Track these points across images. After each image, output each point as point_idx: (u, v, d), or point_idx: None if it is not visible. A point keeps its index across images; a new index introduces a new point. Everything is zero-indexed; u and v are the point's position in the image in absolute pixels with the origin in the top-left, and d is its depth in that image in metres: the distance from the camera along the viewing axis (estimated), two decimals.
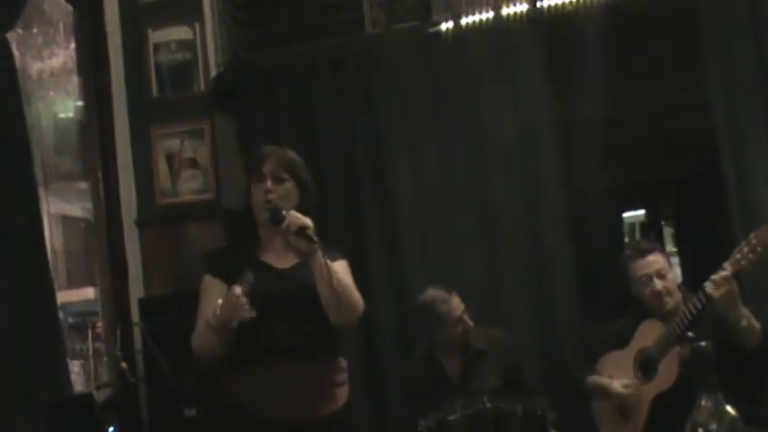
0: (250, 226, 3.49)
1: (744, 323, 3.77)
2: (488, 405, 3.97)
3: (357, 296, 3.39)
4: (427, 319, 4.45)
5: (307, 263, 3.32)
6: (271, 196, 3.38)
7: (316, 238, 3.23)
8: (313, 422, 3.33)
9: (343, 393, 3.44)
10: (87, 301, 5.98)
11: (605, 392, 4.22)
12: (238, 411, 3.36)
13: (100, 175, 5.64)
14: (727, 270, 3.74)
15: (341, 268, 3.42)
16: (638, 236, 8.56)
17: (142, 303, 5.19)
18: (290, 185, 3.43)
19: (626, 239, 7.92)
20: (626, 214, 8.36)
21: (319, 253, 3.23)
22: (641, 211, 8.60)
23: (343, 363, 3.48)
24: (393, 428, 4.92)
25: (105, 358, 5.37)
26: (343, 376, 3.47)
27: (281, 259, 3.44)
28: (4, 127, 4.38)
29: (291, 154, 3.51)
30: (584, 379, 4.33)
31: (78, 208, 6.14)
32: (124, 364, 4.76)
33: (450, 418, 4.00)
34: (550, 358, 4.89)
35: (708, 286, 3.78)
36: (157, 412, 4.94)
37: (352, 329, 3.58)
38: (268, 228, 3.41)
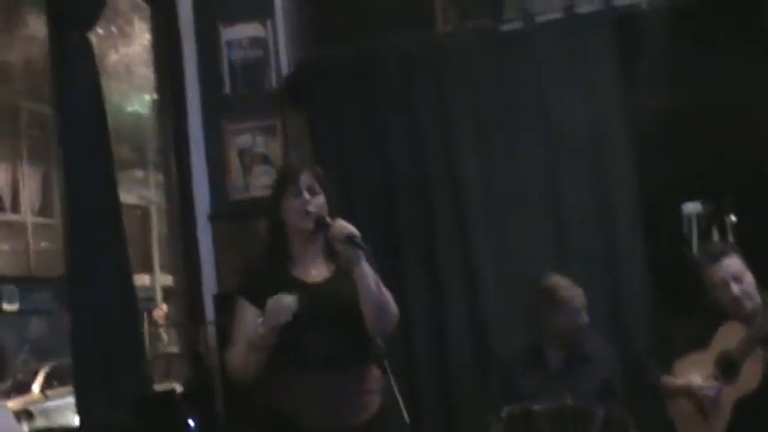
0: (281, 239, 3.58)
1: None
2: (569, 403, 4.01)
3: (395, 304, 3.48)
4: (544, 302, 4.45)
5: (339, 276, 3.46)
6: (310, 207, 3.48)
7: (364, 245, 3.34)
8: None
9: (375, 401, 3.50)
10: (144, 288, 6.05)
11: (686, 391, 4.21)
12: (274, 420, 3.46)
13: (174, 169, 5.72)
14: None
15: None
16: (694, 228, 8.49)
17: (216, 299, 5.26)
18: (322, 199, 3.53)
19: (694, 234, 7.87)
20: (688, 207, 8.28)
21: (365, 261, 3.37)
22: (701, 204, 8.53)
23: (376, 372, 3.51)
24: None
25: (180, 352, 5.46)
26: (376, 385, 3.51)
27: (312, 273, 3.53)
28: (88, 127, 4.48)
29: (320, 169, 3.65)
30: (659, 379, 4.34)
31: (135, 196, 6.23)
32: (201, 359, 4.86)
33: (536, 408, 4.06)
34: (623, 357, 4.86)
35: None
36: (233, 406, 5.02)
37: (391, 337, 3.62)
38: (301, 239, 3.53)
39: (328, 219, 3.45)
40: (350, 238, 3.36)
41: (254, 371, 3.42)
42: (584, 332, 4.46)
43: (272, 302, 3.34)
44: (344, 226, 3.40)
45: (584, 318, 4.45)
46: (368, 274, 3.37)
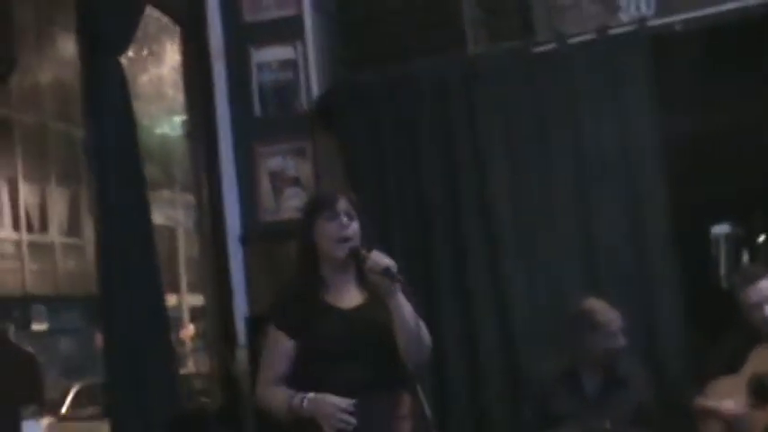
0: (313, 264, 3.55)
1: None
2: (607, 427, 3.98)
3: (428, 335, 3.46)
4: (581, 325, 4.44)
5: (373, 302, 3.43)
6: (348, 232, 3.46)
7: (400, 277, 3.33)
8: None
9: (407, 427, 3.46)
10: (170, 308, 6.07)
11: (715, 414, 4.18)
12: None
13: (205, 191, 5.73)
14: None
15: None
16: (722, 250, 8.43)
17: (248, 322, 5.25)
18: (357, 225, 3.50)
19: (722, 255, 7.82)
20: (716, 229, 8.23)
21: (400, 293, 3.35)
22: (730, 225, 8.46)
23: (408, 397, 3.48)
24: None
25: (208, 373, 5.47)
26: (408, 410, 3.47)
27: (345, 299, 3.51)
28: (120, 148, 4.51)
29: (353, 195, 3.62)
30: (691, 400, 4.31)
31: (162, 216, 6.26)
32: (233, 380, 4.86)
33: None
34: (655, 377, 4.81)
35: None
36: (264, 429, 5.01)
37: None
38: (333, 265, 3.50)
39: (363, 251, 3.41)
40: (386, 271, 3.34)
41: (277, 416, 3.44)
42: (620, 355, 4.43)
43: (327, 406, 3.30)
44: (381, 258, 3.38)
45: (621, 341, 4.42)
46: (403, 305, 3.36)
